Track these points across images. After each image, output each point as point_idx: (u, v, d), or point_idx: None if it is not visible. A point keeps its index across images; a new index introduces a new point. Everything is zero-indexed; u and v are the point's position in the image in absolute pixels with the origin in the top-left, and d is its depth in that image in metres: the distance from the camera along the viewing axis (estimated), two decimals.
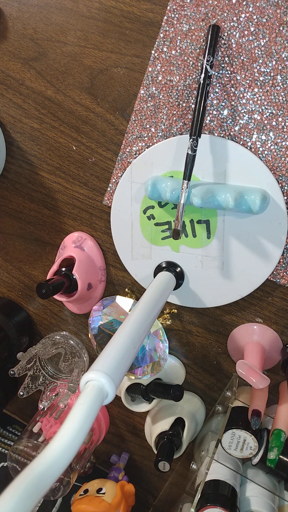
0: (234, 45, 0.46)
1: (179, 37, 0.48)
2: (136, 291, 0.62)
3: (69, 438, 0.25)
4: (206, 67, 0.45)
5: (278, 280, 0.52)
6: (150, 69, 0.50)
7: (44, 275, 0.68)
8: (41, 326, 0.72)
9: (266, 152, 0.49)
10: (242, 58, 0.47)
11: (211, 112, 0.49)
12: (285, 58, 0.45)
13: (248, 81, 0.47)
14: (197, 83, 0.49)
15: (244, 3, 0.45)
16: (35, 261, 0.68)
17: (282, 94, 0.46)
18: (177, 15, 0.48)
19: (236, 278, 0.53)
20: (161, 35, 0.49)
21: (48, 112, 0.58)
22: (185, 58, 0.49)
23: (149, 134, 0.53)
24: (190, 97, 0.50)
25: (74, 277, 0.58)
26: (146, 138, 0.53)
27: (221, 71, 0.48)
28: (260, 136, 0.48)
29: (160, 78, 0.50)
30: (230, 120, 0.49)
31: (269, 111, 0.47)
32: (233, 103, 0.48)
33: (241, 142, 0.49)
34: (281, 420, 0.51)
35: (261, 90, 0.47)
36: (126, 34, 0.51)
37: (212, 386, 0.64)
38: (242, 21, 0.45)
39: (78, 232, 0.62)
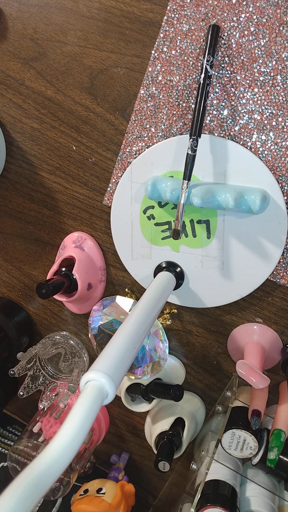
0: (234, 45, 0.46)
1: (179, 37, 0.48)
2: (136, 291, 0.62)
3: (69, 438, 0.25)
4: (206, 67, 0.45)
5: (278, 280, 0.52)
6: (150, 69, 0.50)
7: (44, 275, 0.68)
8: (41, 326, 0.72)
9: (266, 152, 0.49)
10: (242, 58, 0.47)
11: (211, 112, 0.49)
12: (285, 58, 0.45)
13: (248, 81, 0.47)
14: (197, 83, 0.49)
15: (244, 3, 0.45)
16: (35, 261, 0.68)
17: (282, 94, 0.46)
18: (177, 15, 0.48)
19: (236, 278, 0.53)
20: (161, 35, 0.49)
21: (48, 112, 0.58)
22: (185, 58, 0.49)
23: (149, 134, 0.53)
24: (190, 97, 0.50)
25: (74, 277, 0.58)
26: (146, 138, 0.53)
27: (221, 71, 0.48)
28: (260, 136, 0.48)
29: (160, 78, 0.50)
30: (230, 120, 0.49)
31: (269, 111, 0.47)
32: (233, 103, 0.48)
33: (241, 142, 0.49)
34: (281, 420, 0.51)
35: (261, 90, 0.47)
36: (126, 34, 0.51)
37: (212, 386, 0.64)
38: (242, 21, 0.45)
39: (78, 232, 0.62)
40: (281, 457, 0.51)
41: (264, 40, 0.45)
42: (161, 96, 0.51)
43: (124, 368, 0.32)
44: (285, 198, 0.49)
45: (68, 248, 0.61)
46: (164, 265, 0.56)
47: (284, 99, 0.46)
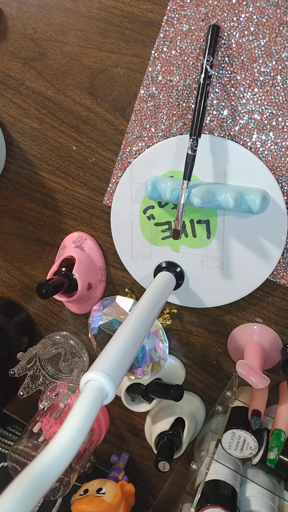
0: (234, 45, 0.46)
1: (179, 37, 0.48)
2: (136, 291, 0.62)
3: (69, 438, 0.25)
4: (206, 67, 0.45)
5: (278, 280, 0.52)
6: (150, 69, 0.50)
7: (44, 275, 0.68)
8: (41, 326, 0.72)
9: (266, 152, 0.49)
10: (242, 58, 0.47)
11: (211, 112, 0.49)
12: (285, 58, 0.45)
13: (248, 81, 0.47)
14: (197, 83, 0.49)
15: (244, 3, 0.45)
16: (35, 261, 0.68)
17: (282, 94, 0.46)
18: (177, 15, 0.48)
19: (236, 278, 0.53)
20: (161, 35, 0.49)
21: (48, 112, 0.58)
22: (185, 58, 0.49)
23: (149, 134, 0.53)
24: (190, 97, 0.50)
25: (74, 277, 0.58)
26: (146, 138, 0.53)
27: (221, 71, 0.48)
28: (260, 136, 0.48)
29: (160, 78, 0.50)
30: (230, 120, 0.49)
31: (269, 111, 0.47)
32: (233, 103, 0.48)
33: (241, 142, 0.49)
34: (281, 420, 0.51)
35: (261, 90, 0.47)
36: (126, 34, 0.51)
37: (212, 386, 0.64)
38: (242, 21, 0.45)
39: (78, 232, 0.62)
40: (281, 457, 0.51)
41: (264, 40, 0.45)
42: (161, 96, 0.51)
43: (124, 368, 0.32)
44: (285, 198, 0.49)
45: (68, 248, 0.61)
46: (164, 265, 0.56)
47: (284, 99, 0.46)
